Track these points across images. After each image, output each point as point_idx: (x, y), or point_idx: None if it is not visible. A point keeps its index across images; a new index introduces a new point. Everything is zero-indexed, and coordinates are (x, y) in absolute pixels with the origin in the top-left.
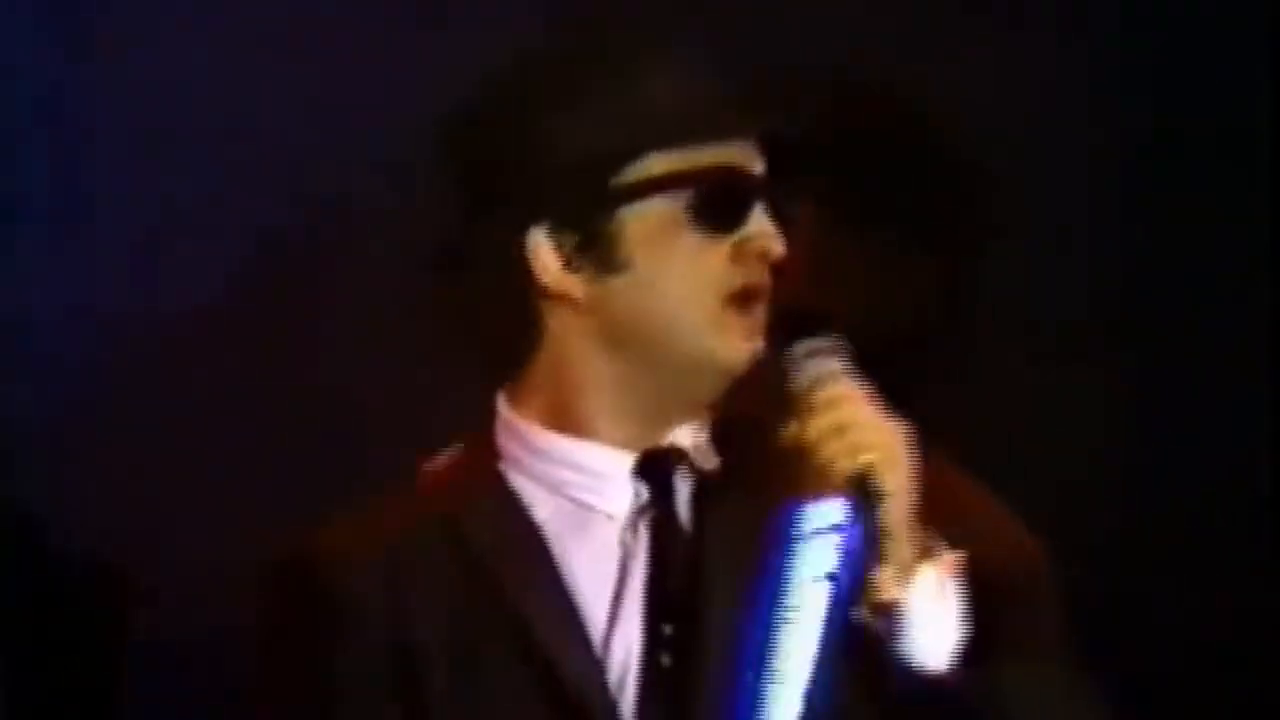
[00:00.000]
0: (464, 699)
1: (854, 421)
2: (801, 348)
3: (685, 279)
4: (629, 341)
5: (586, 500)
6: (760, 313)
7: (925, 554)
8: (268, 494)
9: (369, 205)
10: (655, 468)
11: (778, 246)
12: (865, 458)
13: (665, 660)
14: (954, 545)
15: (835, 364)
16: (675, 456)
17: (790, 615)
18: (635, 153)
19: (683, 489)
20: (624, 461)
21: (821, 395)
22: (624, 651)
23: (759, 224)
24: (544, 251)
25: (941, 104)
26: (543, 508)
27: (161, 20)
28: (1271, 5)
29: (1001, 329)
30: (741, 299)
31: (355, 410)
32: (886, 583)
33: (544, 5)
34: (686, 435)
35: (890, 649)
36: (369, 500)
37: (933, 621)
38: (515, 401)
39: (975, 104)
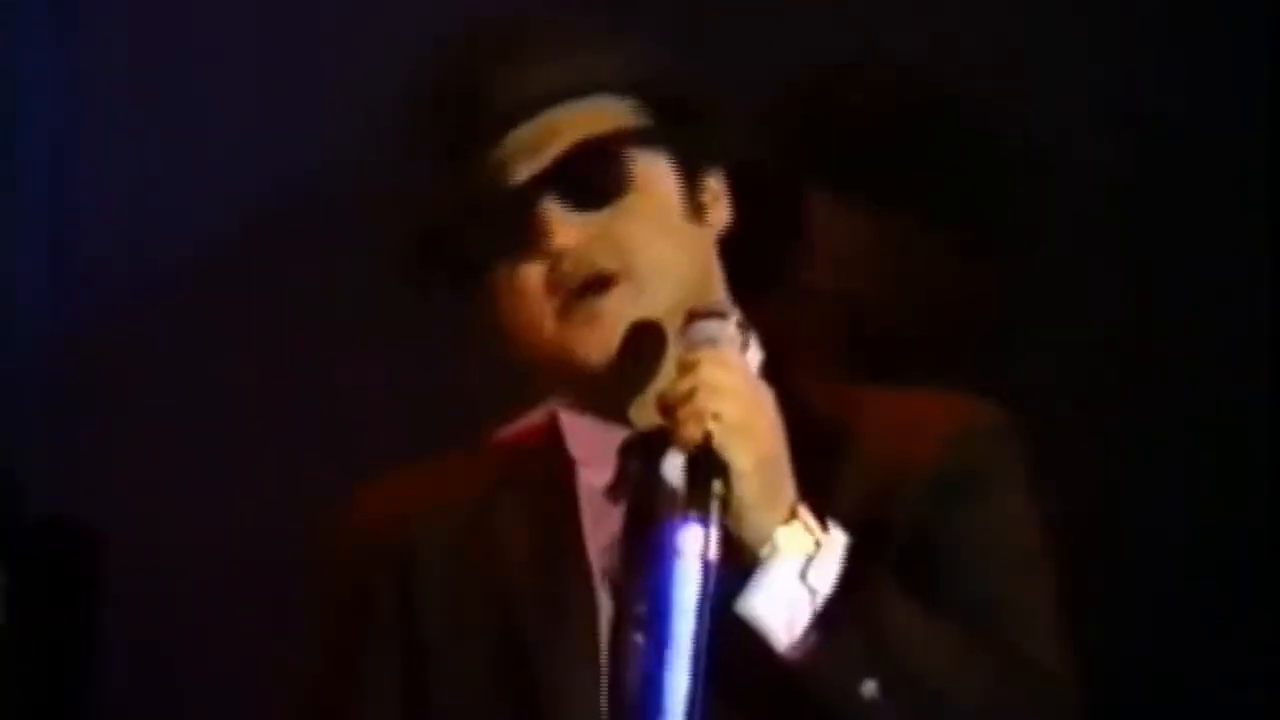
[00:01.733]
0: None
1: (705, 385)
2: (696, 316)
3: (513, 301)
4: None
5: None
6: (592, 299)
7: (765, 539)
8: (258, 474)
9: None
10: (641, 445)
11: (554, 242)
12: (709, 425)
13: (637, 639)
14: None
15: (716, 330)
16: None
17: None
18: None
19: (674, 463)
20: (614, 438)
21: (687, 358)
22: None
23: (542, 224)
24: None
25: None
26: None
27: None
28: (1272, 5)
29: (999, 328)
30: (565, 296)
31: (353, 391)
32: (731, 552)
33: None
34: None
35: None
36: (428, 463)
37: (782, 598)
38: None
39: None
